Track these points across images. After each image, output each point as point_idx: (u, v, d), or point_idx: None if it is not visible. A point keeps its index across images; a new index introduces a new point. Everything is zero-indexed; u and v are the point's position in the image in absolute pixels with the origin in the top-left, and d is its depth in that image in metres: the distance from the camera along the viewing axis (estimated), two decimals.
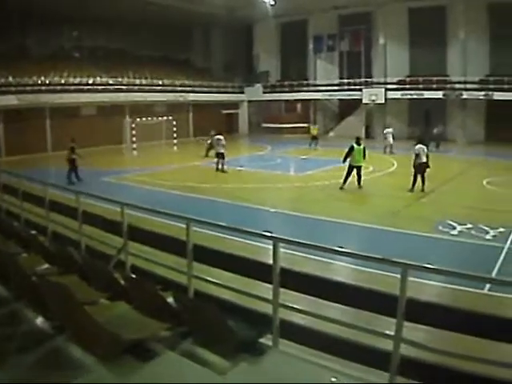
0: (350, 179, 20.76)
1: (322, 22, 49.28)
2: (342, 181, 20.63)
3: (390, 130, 34.40)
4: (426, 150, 20.44)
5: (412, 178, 20.30)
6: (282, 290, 5.21)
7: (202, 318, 4.77)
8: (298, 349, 5.18)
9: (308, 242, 5.25)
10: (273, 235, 5.28)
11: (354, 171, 20.77)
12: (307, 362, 4.62)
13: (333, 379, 4.29)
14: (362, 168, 21.23)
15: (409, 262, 4.47)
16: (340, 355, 5.08)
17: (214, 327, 4.66)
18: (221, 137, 25.91)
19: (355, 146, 20.92)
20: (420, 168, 20.25)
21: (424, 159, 20.23)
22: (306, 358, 4.75)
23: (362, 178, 21.09)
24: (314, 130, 37.64)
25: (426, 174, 20.33)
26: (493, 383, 4.43)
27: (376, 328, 4.87)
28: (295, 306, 5.34)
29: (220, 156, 25.46)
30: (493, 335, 4.62)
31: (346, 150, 21.04)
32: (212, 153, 27.89)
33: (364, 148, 21.02)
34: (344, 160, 21.03)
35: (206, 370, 4.17)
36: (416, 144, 20.79)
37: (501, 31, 40.54)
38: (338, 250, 5.10)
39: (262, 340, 4.83)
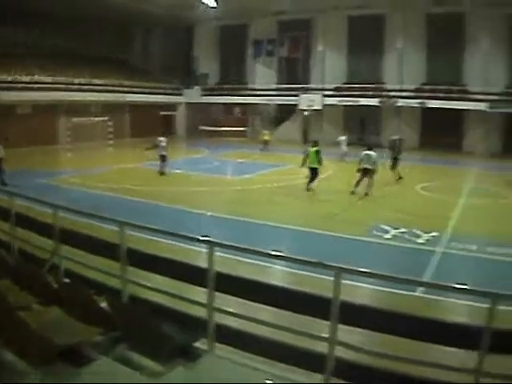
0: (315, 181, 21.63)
1: (262, 27, 49.61)
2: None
3: (344, 138, 34.42)
4: (373, 157, 20.86)
5: (356, 180, 20.94)
6: (217, 293, 5.22)
7: (136, 323, 4.73)
8: (234, 352, 5.19)
9: (243, 246, 5.27)
10: (208, 239, 5.28)
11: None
12: (242, 365, 4.65)
13: (268, 382, 4.34)
14: (317, 171, 21.64)
15: (342, 266, 4.55)
16: (275, 358, 5.11)
17: (147, 332, 4.62)
18: (162, 138, 25.63)
19: (310, 148, 21.51)
20: (362, 173, 20.85)
21: (366, 166, 20.73)
22: (241, 362, 4.78)
23: (307, 182, 21.47)
24: (265, 136, 37.92)
25: (372, 180, 20.89)
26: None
27: (311, 331, 4.93)
28: (230, 310, 5.35)
29: (161, 158, 25.20)
30: (424, 337, 4.75)
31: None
32: (152, 155, 27.51)
33: (317, 151, 21.40)
34: (302, 164, 21.68)
35: (139, 375, 4.13)
36: (364, 150, 21.31)
37: (437, 41, 42.09)
38: (272, 254, 5.14)
39: (197, 344, 4.83)
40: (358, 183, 20.94)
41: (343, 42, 46.53)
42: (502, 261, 13.01)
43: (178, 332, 4.77)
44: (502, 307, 4.21)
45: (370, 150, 21.25)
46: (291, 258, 5.40)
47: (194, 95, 51.23)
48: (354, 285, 8.68)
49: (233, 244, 5.35)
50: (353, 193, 20.75)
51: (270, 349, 5.21)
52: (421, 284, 9.28)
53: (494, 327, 4.26)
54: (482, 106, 40.03)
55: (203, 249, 5.36)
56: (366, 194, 20.61)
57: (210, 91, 51.45)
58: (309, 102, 45.05)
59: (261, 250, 5.22)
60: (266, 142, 37.23)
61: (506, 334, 4.60)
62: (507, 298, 4.28)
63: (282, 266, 10.88)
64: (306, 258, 4.95)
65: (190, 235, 5.80)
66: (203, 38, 53.87)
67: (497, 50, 40.81)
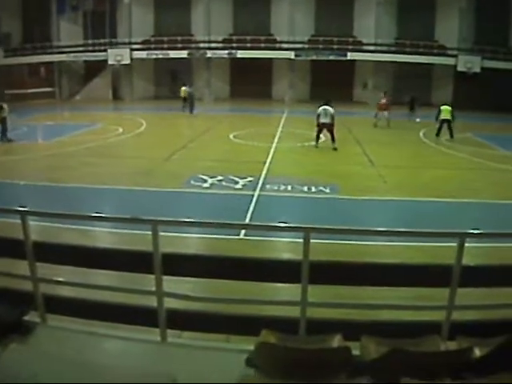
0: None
1: None
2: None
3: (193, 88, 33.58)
4: (330, 111, 21.10)
5: (315, 135, 21.47)
6: (40, 264, 5.07)
7: None
8: (70, 321, 5.10)
9: (59, 212, 5.14)
10: (18, 209, 5.01)
11: None
12: (78, 332, 4.66)
13: (106, 345, 4.44)
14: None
15: (158, 219, 4.62)
16: (112, 320, 5.11)
17: None
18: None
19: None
20: (321, 127, 21.24)
21: (324, 120, 21.03)
22: (77, 329, 4.78)
23: None
24: (184, 92, 34.24)
25: (334, 133, 21.18)
26: (258, 321, 4.81)
27: (140, 287, 5.02)
28: (58, 279, 5.26)
29: None
30: (253, 277, 4.99)
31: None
32: None
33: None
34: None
35: None
36: (320, 106, 21.49)
37: None
38: (89, 216, 5.07)
39: (27, 318, 4.71)
40: (317, 138, 21.38)
41: None
42: (312, 198, 14.32)
43: (3, 310, 4.61)
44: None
45: (326, 104, 21.44)
46: (107, 217, 5.37)
47: None
48: (177, 236, 8.88)
49: (47, 211, 5.18)
50: (316, 147, 21.27)
51: (105, 311, 5.19)
52: (243, 227, 9.76)
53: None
54: (288, 55, 41.88)
55: (18, 220, 5.11)
56: (335, 149, 20.95)
57: (13, 52, 47.71)
58: (117, 56, 43.78)
59: (78, 213, 5.15)
60: (185, 100, 33.53)
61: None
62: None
63: (102, 227, 10.70)
64: (122, 216, 4.96)
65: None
66: None
67: None
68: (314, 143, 21.57)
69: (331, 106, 21.39)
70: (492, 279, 4.75)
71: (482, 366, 3.49)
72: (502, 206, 14.00)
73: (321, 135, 21.61)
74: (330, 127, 21.17)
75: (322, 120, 21.14)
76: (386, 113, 28.03)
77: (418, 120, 28.13)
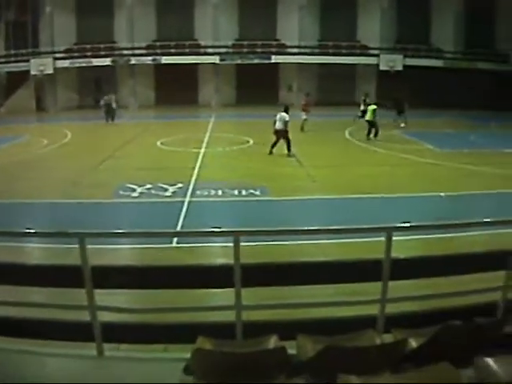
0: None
1: None
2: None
3: (111, 97, 33.01)
4: (285, 118, 20.57)
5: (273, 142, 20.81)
6: None
7: None
8: (3, 341, 4.94)
9: None
10: None
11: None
12: (10, 351, 4.54)
13: (41, 363, 4.34)
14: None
15: (84, 231, 4.54)
16: (46, 337, 4.97)
17: None
18: None
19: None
20: (276, 133, 20.77)
21: (279, 126, 20.55)
22: (11, 348, 4.65)
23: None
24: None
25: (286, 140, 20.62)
26: (195, 328, 4.79)
27: (73, 302, 4.91)
28: None
29: None
30: (186, 284, 4.97)
31: None
32: None
33: None
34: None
35: None
36: (280, 112, 21.07)
37: None
38: (14, 232, 4.94)
39: None
40: (273, 145, 20.72)
41: (71, 2, 44.36)
42: (243, 201, 14.50)
43: None
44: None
45: (284, 111, 21.02)
46: (32, 232, 5.21)
47: None
48: (108, 248, 8.70)
49: None
50: (271, 153, 20.57)
51: (38, 329, 5.03)
52: (173, 235, 9.70)
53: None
54: (213, 59, 41.90)
55: None
56: (289, 155, 20.41)
57: None
58: (40, 66, 42.50)
59: (2, 230, 5.00)
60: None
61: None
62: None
63: (30, 243, 10.28)
64: (47, 231, 4.86)
65: None
66: None
67: (226, 3, 42.89)
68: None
69: (287, 113, 21.09)
70: (423, 270, 4.91)
71: (418, 357, 3.59)
72: (430, 198, 14.49)
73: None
74: (282, 133, 20.77)
75: (277, 126, 20.84)
76: (303, 114, 27.70)
77: (402, 125, 28.33)
